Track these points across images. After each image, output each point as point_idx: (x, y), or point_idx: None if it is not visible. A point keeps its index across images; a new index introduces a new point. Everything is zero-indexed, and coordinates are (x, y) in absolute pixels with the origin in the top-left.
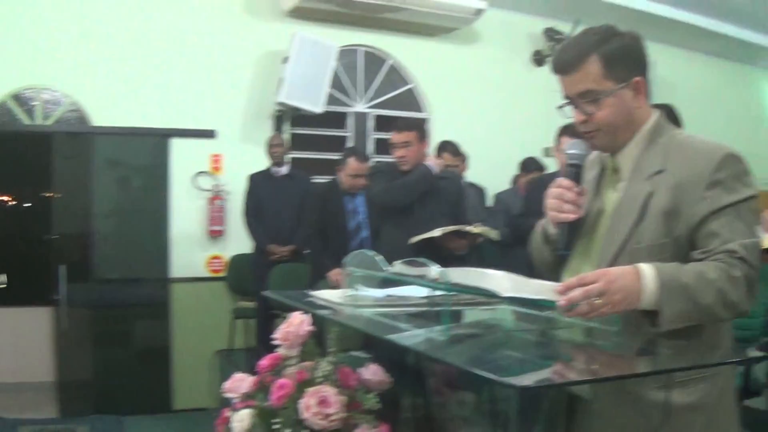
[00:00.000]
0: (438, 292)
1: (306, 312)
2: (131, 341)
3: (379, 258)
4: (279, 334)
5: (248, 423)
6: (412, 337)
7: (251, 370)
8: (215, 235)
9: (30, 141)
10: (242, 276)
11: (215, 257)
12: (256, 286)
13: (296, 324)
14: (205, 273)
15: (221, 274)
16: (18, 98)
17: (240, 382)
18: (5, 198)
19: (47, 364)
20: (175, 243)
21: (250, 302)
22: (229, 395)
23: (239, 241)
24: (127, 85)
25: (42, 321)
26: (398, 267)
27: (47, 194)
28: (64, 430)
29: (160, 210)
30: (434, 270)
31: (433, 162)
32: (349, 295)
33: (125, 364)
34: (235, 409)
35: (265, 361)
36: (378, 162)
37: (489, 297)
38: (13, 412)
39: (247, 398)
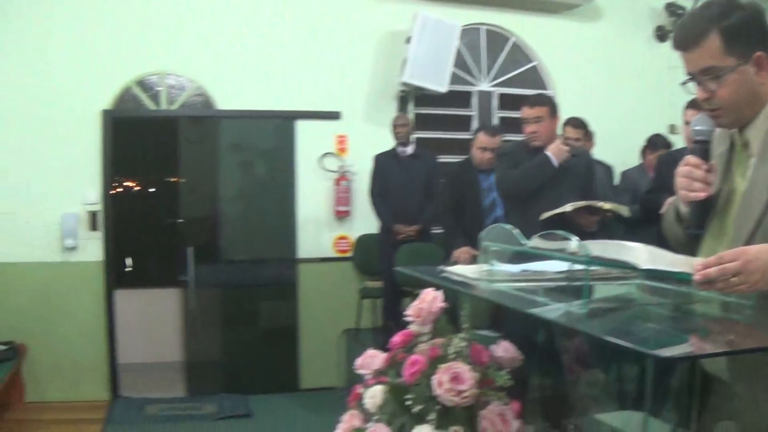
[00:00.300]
0: (576, 266)
1: (438, 288)
2: (259, 321)
3: (516, 231)
4: (411, 311)
5: (380, 399)
6: (551, 310)
7: (378, 350)
8: (341, 215)
9: (156, 126)
10: (369, 256)
11: (342, 237)
12: (382, 266)
13: (429, 300)
14: (331, 253)
15: (348, 254)
16: (143, 84)
17: (372, 359)
18: (133, 183)
19: (175, 345)
20: (301, 224)
21: (377, 282)
22: (361, 371)
23: (365, 222)
24: (251, 68)
25: (170, 302)
26: (535, 241)
27: (174, 178)
28: (191, 409)
29: (286, 191)
30: (573, 243)
31: (555, 151)
32: (485, 270)
33: (253, 344)
34: (367, 386)
35: (397, 338)
36: (505, 142)
37: (626, 270)
38: (141, 392)
39: (379, 374)
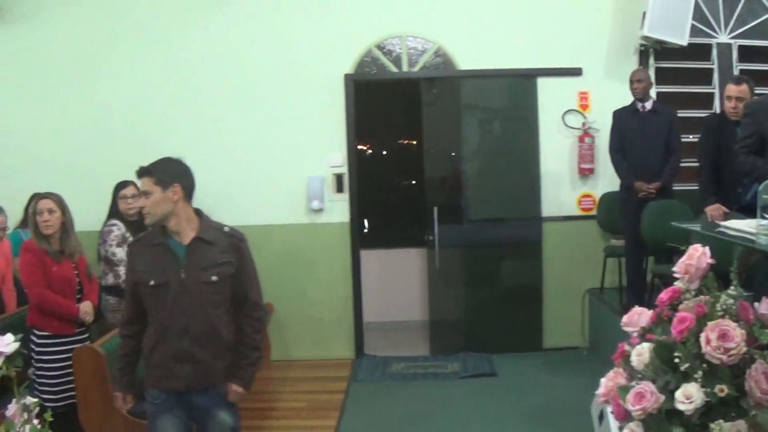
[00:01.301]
0: None
1: (704, 244)
2: (502, 280)
3: None
4: (678, 267)
5: (647, 356)
6: None
7: (623, 310)
8: (585, 173)
9: (397, 88)
10: (613, 214)
11: (586, 195)
12: (624, 225)
13: (697, 256)
14: (575, 211)
15: (592, 213)
16: (382, 47)
17: (639, 316)
18: (376, 145)
19: (419, 304)
20: (544, 182)
21: (622, 240)
22: (627, 329)
23: (609, 179)
24: (490, 27)
25: (413, 262)
26: None
27: (416, 140)
28: (436, 367)
29: (529, 150)
30: None
31: None
32: (763, 225)
33: (496, 303)
34: (632, 344)
35: (664, 295)
36: (755, 98)
37: None
38: (386, 350)
39: (646, 332)
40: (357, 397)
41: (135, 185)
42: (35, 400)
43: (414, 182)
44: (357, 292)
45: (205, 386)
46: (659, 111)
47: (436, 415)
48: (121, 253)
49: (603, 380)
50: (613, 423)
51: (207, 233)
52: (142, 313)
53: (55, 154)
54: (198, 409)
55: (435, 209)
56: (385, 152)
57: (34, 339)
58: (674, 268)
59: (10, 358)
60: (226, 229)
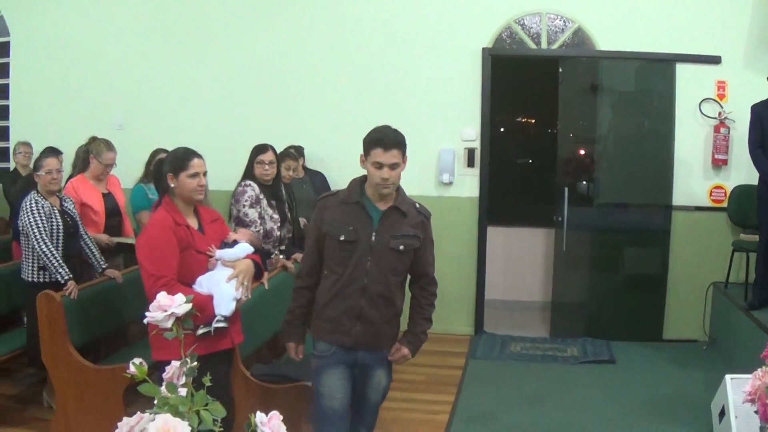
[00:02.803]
0: None
1: None
2: (627, 267)
3: None
4: None
5: None
6: None
7: (747, 307)
8: (719, 164)
9: (534, 65)
10: (744, 208)
11: (717, 187)
12: (762, 221)
13: None
14: (706, 202)
15: (722, 205)
16: (522, 23)
17: None
18: (510, 121)
19: (541, 285)
20: (676, 170)
21: (752, 236)
22: None
23: (743, 172)
24: (631, 9)
25: (539, 242)
26: None
27: (550, 118)
28: (555, 350)
29: (663, 136)
30: None
31: None
32: None
33: (619, 290)
34: None
35: None
36: None
37: None
38: (505, 329)
39: None
40: (475, 375)
41: (273, 150)
42: (196, 363)
43: (540, 161)
44: (481, 268)
45: (371, 346)
46: None
47: (554, 399)
48: (253, 213)
49: (727, 377)
50: (734, 422)
51: (403, 205)
52: (321, 266)
53: (184, 111)
54: (361, 365)
55: (566, 190)
56: (515, 129)
57: None
58: None
59: (181, 319)
60: (417, 205)
